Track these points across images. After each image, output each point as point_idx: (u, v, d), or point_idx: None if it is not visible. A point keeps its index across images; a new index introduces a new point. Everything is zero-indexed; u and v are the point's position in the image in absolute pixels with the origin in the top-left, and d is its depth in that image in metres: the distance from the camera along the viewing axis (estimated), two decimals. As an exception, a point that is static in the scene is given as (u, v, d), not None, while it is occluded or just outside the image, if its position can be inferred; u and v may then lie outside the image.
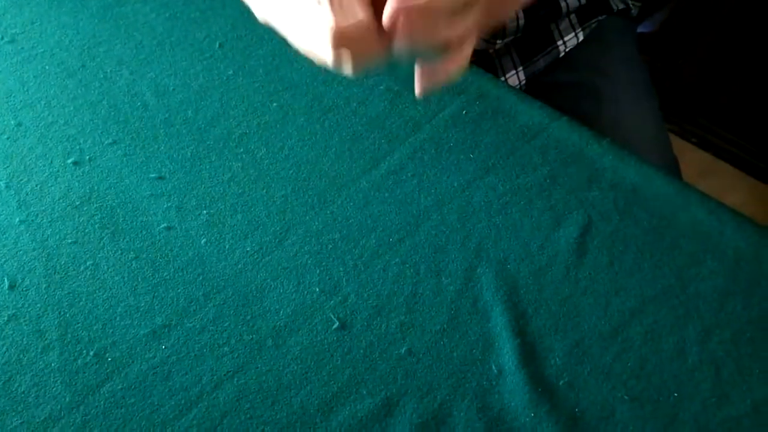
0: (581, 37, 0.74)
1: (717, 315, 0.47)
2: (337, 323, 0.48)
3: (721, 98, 1.12)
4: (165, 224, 0.54)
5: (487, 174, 0.55)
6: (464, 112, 0.59)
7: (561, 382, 0.44)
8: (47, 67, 0.63)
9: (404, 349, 0.46)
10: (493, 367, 0.45)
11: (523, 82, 0.74)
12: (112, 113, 0.62)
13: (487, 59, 0.70)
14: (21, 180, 0.58)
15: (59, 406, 0.45)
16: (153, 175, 0.57)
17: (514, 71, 0.73)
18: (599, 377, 0.44)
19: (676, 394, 0.43)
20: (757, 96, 1.11)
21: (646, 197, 0.53)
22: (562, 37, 0.73)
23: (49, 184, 0.58)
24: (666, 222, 0.52)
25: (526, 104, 0.60)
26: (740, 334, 0.46)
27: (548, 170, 0.54)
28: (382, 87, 0.62)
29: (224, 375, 0.46)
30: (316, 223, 0.54)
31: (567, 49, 0.74)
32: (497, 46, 0.72)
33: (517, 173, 0.54)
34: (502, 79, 0.73)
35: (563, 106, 0.58)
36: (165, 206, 0.55)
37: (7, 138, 0.60)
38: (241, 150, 0.59)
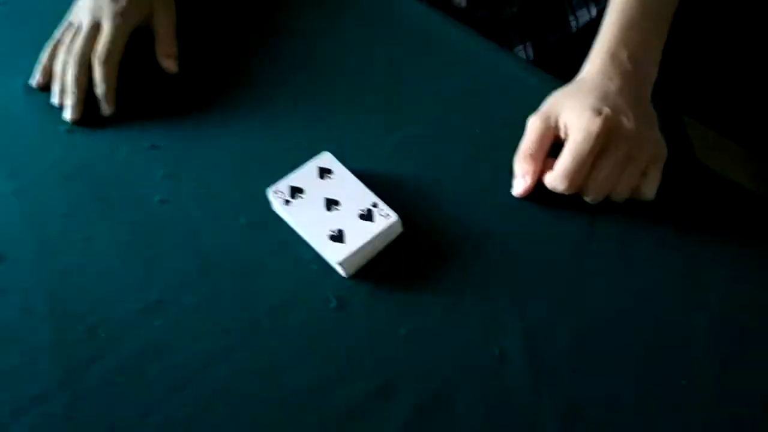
0: (594, 14, 0.71)
1: (726, 304, 0.45)
2: (335, 302, 0.46)
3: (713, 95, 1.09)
4: (159, 197, 0.52)
5: (494, 150, 0.52)
6: (471, 85, 0.57)
7: (565, 367, 0.43)
8: (39, 32, 0.61)
9: (404, 330, 0.45)
10: (495, 350, 0.44)
11: (531, 58, 0.71)
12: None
13: (493, 30, 0.67)
14: (11, 149, 0.56)
15: (48, 384, 0.44)
16: (147, 145, 0.55)
17: (521, 46, 0.70)
18: (604, 363, 0.43)
19: (683, 382, 0.42)
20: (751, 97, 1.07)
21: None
22: (573, 12, 0.70)
23: (41, 154, 0.56)
24: (676, 205, 0.49)
25: (536, 77, 0.57)
26: (750, 324, 0.44)
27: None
28: (385, 57, 0.59)
29: (219, 354, 0.44)
30: (317, 198, 0.52)
31: (579, 26, 0.71)
32: (504, 16, 0.69)
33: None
34: (510, 51, 0.70)
35: None
36: (160, 177, 0.53)
37: (-3, 105, 0.58)
38: (239, 121, 0.56)
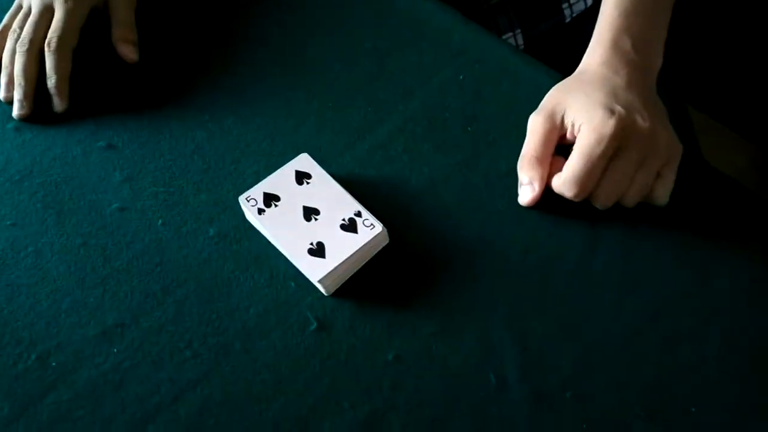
0: (590, 2, 0.66)
1: (740, 319, 0.42)
2: (315, 324, 0.42)
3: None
4: (117, 204, 0.47)
5: (488, 149, 0.48)
6: (461, 76, 0.52)
7: (568, 395, 0.39)
8: (-22, 14, 0.54)
9: (391, 354, 0.41)
10: (492, 378, 0.40)
11: (521, 46, 0.66)
12: (58, 70, 0.54)
13: (479, 16, 0.62)
14: (-51, 150, 0.50)
15: (-6, 420, 0.39)
16: (102, 144, 0.50)
17: (511, 33, 0.65)
18: (609, 389, 0.40)
19: (694, 409, 0.39)
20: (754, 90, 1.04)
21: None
22: (568, 0, 0.65)
23: (-15, 154, 0.50)
24: (686, 212, 0.46)
25: (531, 67, 0.52)
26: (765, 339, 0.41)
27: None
28: (368, 44, 0.54)
29: (185, 384, 0.40)
30: (292, 205, 0.47)
31: (573, 14, 0.67)
32: (492, 1, 0.64)
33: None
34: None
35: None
36: (117, 182, 0.48)
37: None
38: (206, 117, 0.51)
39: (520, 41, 0.66)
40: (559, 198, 0.44)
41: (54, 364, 0.41)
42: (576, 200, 0.43)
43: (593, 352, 0.40)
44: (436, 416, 0.39)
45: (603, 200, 0.43)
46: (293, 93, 0.52)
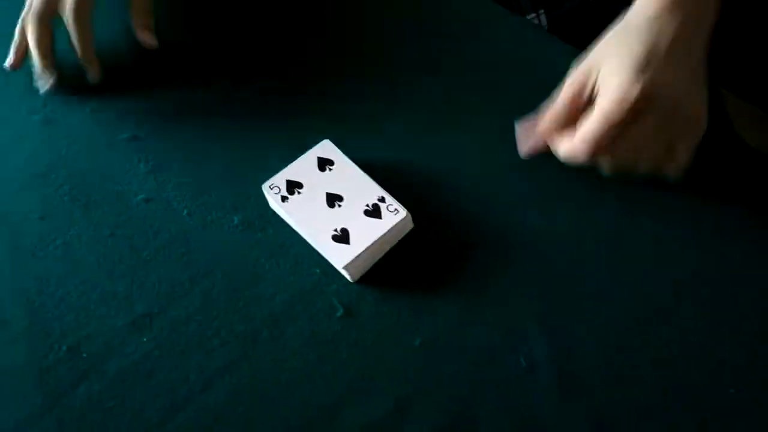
0: None
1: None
2: (342, 310, 0.42)
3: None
4: (143, 195, 0.47)
5: (510, 132, 0.47)
6: (482, 58, 0.51)
7: (595, 375, 0.38)
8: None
9: (418, 340, 0.41)
10: (522, 360, 0.39)
11: (546, 27, 0.64)
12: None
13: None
14: (-24, 145, 0.51)
15: (30, 410, 0.40)
16: (126, 135, 0.50)
17: (534, 14, 0.64)
18: (639, 369, 0.39)
19: (732, 390, 0.38)
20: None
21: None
22: None
23: (12, 149, 0.51)
24: (715, 190, 0.44)
25: (555, 48, 0.51)
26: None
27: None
28: (388, 26, 0.53)
29: (215, 372, 0.40)
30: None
31: None
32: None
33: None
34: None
35: None
36: (142, 173, 0.48)
37: (-41, 95, 0.53)
38: (229, 107, 0.51)
39: (544, 21, 0.64)
40: (585, 178, 0.43)
41: (85, 354, 0.41)
42: (584, 162, 0.42)
43: (621, 331, 0.40)
44: (464, 401, 0.38)
45: (610, 165, 0.42)
46: (313, 80, 0.51)
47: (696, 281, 0.41)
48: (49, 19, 0.50)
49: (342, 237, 0.42)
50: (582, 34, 0.58)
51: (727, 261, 0.42)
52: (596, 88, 0.42)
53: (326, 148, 0.46)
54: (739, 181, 0.45)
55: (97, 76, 0.51)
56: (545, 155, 0.44)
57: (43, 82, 0.51)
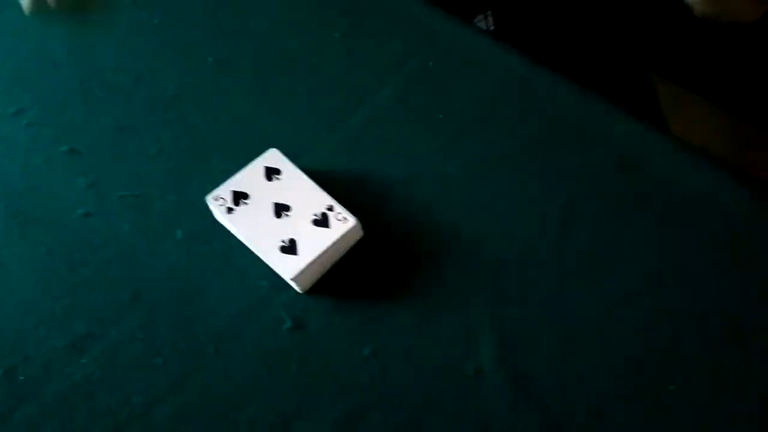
0: None
1: (715, 293, 0.41)
2: (290, 322, 0.41)
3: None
4: (82, 210, 0.46)
5: (462, 137, 0.47)
6: (431, 63, 0.51)
7: (547, 380, 0.39)
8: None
9: (368, 350, 0.40)
10: (470, 367, 0.39)
11: (491, 28, 0.64)
12: (17, 76, 0.52)
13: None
14: None
15: (-38, 440, 0.38)
16: (64, 149, 0.48)
17: (481, 15, 0.64)
18: (590, 372, 0.39)
19: (672, 387, 0.38)
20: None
21: (641, 158, 0.46)
22: None
23: (-56, 165, 0.49)
24: (662, 186, 0.45)
25: (504, 53, 0.51)
26: (744, 313, 0.40)
27: (532, 131, 0.46)
28: (337, 35, 0.53)
29: (158, 392, 0.39)
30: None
31: None
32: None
33: (494, 136, 0.47)
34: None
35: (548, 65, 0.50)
36: (81, 187, 0.47)
37: None
38: (171, 116, 0.50)
39: (491, 23, 0.65)
40: (531, 186, 0.43)
41: (22, 378, 0.40)
42: None
43: (572, 335, 0.40)
44: (416, 409, 0.38)
45: None
46: (261, 87, 0.51)
47: (649, 282, 0.42)
48: None
49: (290, 248, 0.41)
50: (528, 36, 0.58)
51: (670, 258, 0.42)
52: None
53: (273, 156, 0.45)
54: (682, 183, 0.45)
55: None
56: (496, 162, 0.44)
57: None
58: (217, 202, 0.43)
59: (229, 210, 0.43)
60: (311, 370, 0.39)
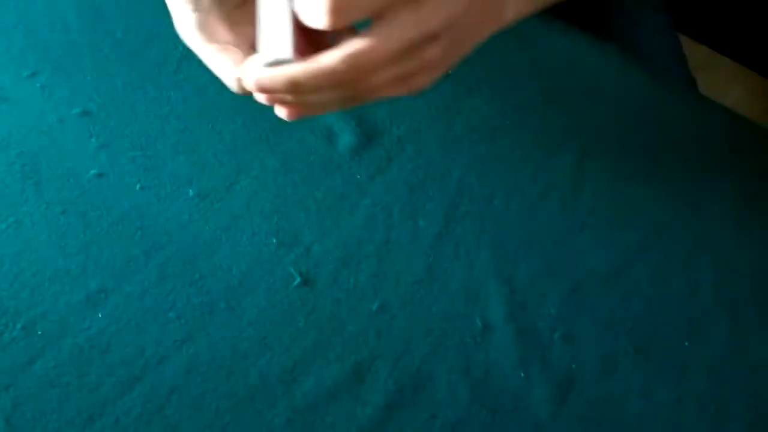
0: None
1: (733, 247, 0.41)
2: (299, 279, 0.41)
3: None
4: (95, 170, 0.46)
5: (469, 94, 0.46)
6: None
7: (556, 335, 0.39)
8: (-57, -14, 0.53)
9: (376, 304, 0.40)
10: (478, 321, 0.39)
11: None
12: (30, 39, 0.53)
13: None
14: (-77, 125, 0.49)
15: (-16, 389, 0.39)
16: (77, 110, 0.49)
17: None
18: (599, 327, 0.39)
19: (687, 343, 0.38)
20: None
21: (655, 113, 0.45)
22: None
23: (-39, 128, 0.49)
24: (675, 144, 0.44)
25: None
26: (761, 266, 0.40)
27: (540, 87, 0.46)
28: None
29: (171, 345, 0.40)
30: (272, 162, 0.46)
31: None
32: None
33: (503, 92, 0.46)
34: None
35: (562, 17, 0.49)
36: (93, 148, 0.47)
37: None
38: (181, 77, 0.50)
39: None
40: (542, 141, 0.43)
41: (39, 332, 0.41)
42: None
43: (581, 290, 0.40)
44: (422, 363, 0.38)
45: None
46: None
47: (654, 235, 0.41)
48: None
49: None
50: None
51: (684, 212, 0.42)
52: None
53: None
54: (697, 133, 0.45)
55: None
56: (504, 117, 0.44)
57: None
58: None
59: None
60: (319, 325, 0.40)
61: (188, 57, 0.51)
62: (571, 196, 0.43)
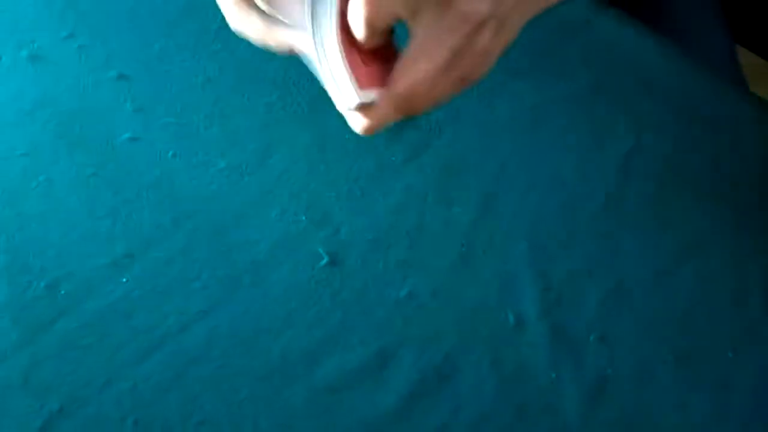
0: None
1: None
2: (327, 258, 0.40)
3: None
4: (128, 134, 0.46)
5: (514, 79, 0.45)
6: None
7: (591, 337, 0.37)
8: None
9: (404, 291, 0.39)
10: (510, 316, 0.38)
11: None
12: (69, 1, 0.52)
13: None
14: (-39, 79, 0.49)
15: (4, 345, 0.39)
16: (113, 73, 0.48)
17: None
18: (638, 331, 0.37)
19: (731, 354, 0.36)
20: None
21: (708, 113, 0.43)
22: None
23: (-1, 85, 0.49)
24: (729, 144, 0.42)
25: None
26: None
27: (590, 76, 0.44)
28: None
29: (193, 315, 0.39)
30: (305, 138, 0.45)
31: None
32: None
33: (551, 80, 0.44)
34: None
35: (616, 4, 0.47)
36: (128, 112, 0.47)
37: (-54, 28, 0.51)
38: (219, 47, 0.49)
39: None
40: (588, 128, 0.41)
41: (63, 292, 0.40)
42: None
43: (621, 291, 0.38)
44: (449, 354, 0.37)
45: None
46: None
47: (701, 239, 0.39)
48: None
49: None
50: None
51: (733, 219, 0.40)
52: None
53: None
54: (754, 142, 0.42)
55: None
56: (549, 106, 0.42)
57: None
58: None
59: None
60: (345, 307, 0.39)
61: (225, 28, 0.50)
62: (616, 193, 0.41)
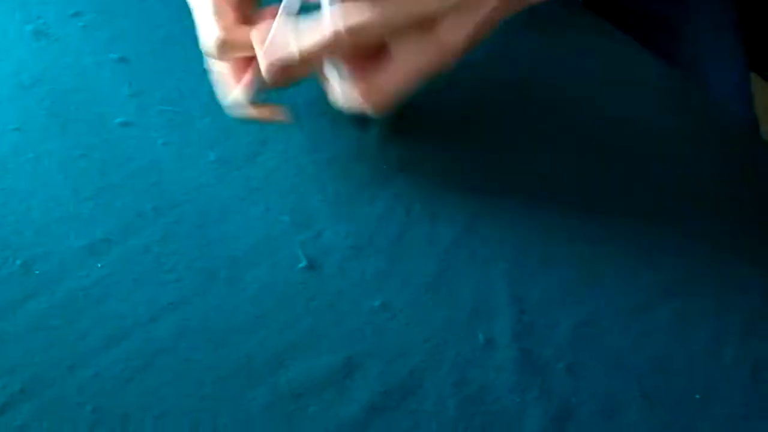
0: None
1: (765, 304, 0.38)
2: (305, 262, 0.40)
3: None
4: (122, 118, 0.46)
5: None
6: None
7: (560, 365, 0.37)
8: None
9: (378, 301, 0.39)
10: (480, 336, 0.37)
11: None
12: (79, -22, 0.52)
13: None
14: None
15: (-28, 320, 0.39)
16: (114, 56, 0.48)
17: None
18: (608, 364, 0.37)
19: (698, 396, 0.36)
20: None
21: (708, 153, 0.43)
22: None
23: (1, 59, 0.49)
24: (726, 185, 0.42)
25: (577, 17, 0.48)
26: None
27: (583, 100, 0.43)
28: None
29: (165, 306, 0.39)
30: (298, 139, 0.45)
31: None
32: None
33: (543, 102, 0.44)
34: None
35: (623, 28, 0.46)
36: (124, 96, 0.47)
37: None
38: (222, 39, 0.49)
39: None
40: (578, 157, 0.40)
41: (38, 272, 0.40)
42: None
43: (594, 322, 0.37)
44: (415, 369, 0.37)
45: None
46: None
47: (683, 277, 0.39)
48: None
49: None
50: (619, 17, 0.53)
51: (717, 258, 0.39)
52: None
53: None
54: (751, 180, 0.42)
55: None
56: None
57: None
58: None
59: None
60: (318, 313, 0.39)
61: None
62: (602, 225, 0.41)
